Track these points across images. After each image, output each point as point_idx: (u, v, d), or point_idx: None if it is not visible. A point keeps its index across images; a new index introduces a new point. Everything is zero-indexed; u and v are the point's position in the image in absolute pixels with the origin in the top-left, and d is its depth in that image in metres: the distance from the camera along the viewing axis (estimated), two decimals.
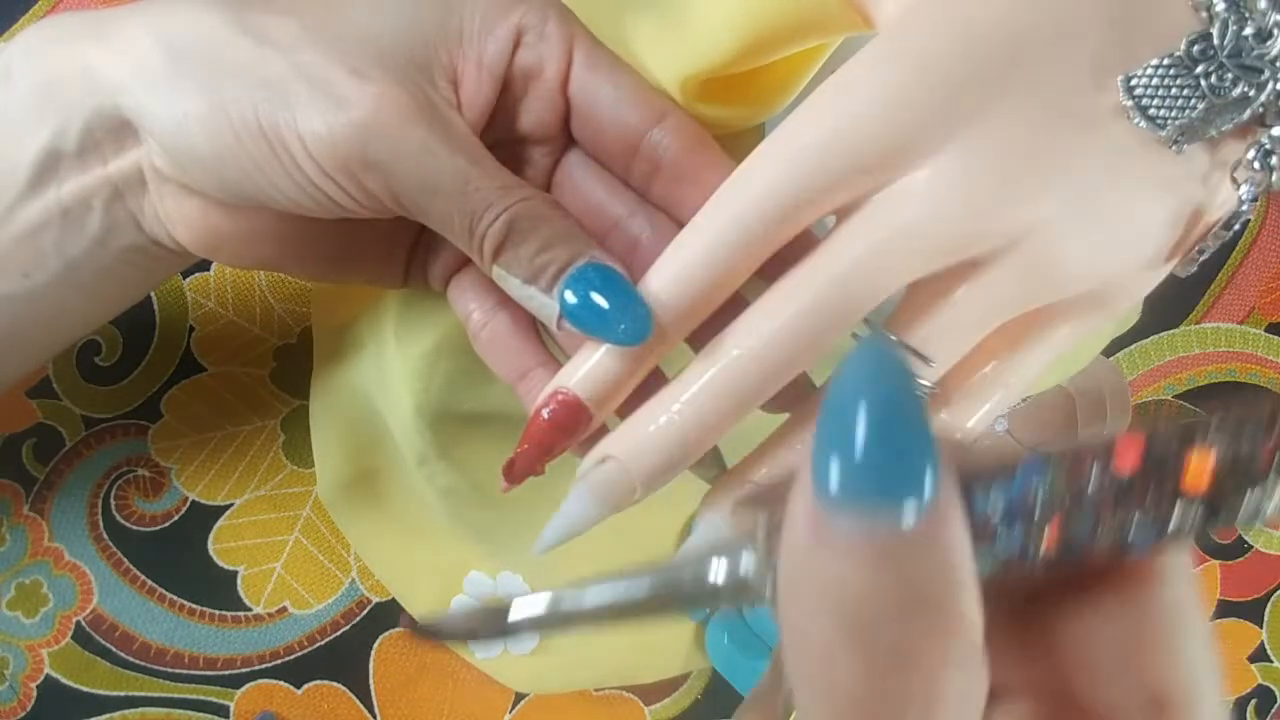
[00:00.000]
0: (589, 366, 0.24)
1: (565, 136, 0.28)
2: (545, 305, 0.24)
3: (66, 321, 0.29)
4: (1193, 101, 0.20)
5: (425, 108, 0.24)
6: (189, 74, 0.24)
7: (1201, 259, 0.22)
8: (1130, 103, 0.21)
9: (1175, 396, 0.51)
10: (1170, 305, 0.51)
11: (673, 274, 0.23)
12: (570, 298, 0.23)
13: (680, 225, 0.24)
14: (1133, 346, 0.51)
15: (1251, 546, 0.52)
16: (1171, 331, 0.51)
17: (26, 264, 0.27)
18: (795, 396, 0.25)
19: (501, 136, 0.28)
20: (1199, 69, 0.20)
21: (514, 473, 0.25)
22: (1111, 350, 0.50)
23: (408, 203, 0.25)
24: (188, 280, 0.40)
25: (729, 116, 0.30)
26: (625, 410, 0.25)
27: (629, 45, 0.30)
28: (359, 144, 0.23)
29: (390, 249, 0.30)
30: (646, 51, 0.30)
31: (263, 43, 0.24)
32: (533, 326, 0.29)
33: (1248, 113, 0.21)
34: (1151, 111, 0.21)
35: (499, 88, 0.26)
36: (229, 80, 0.24)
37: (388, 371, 0.35)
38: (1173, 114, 0.21)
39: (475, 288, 0.29)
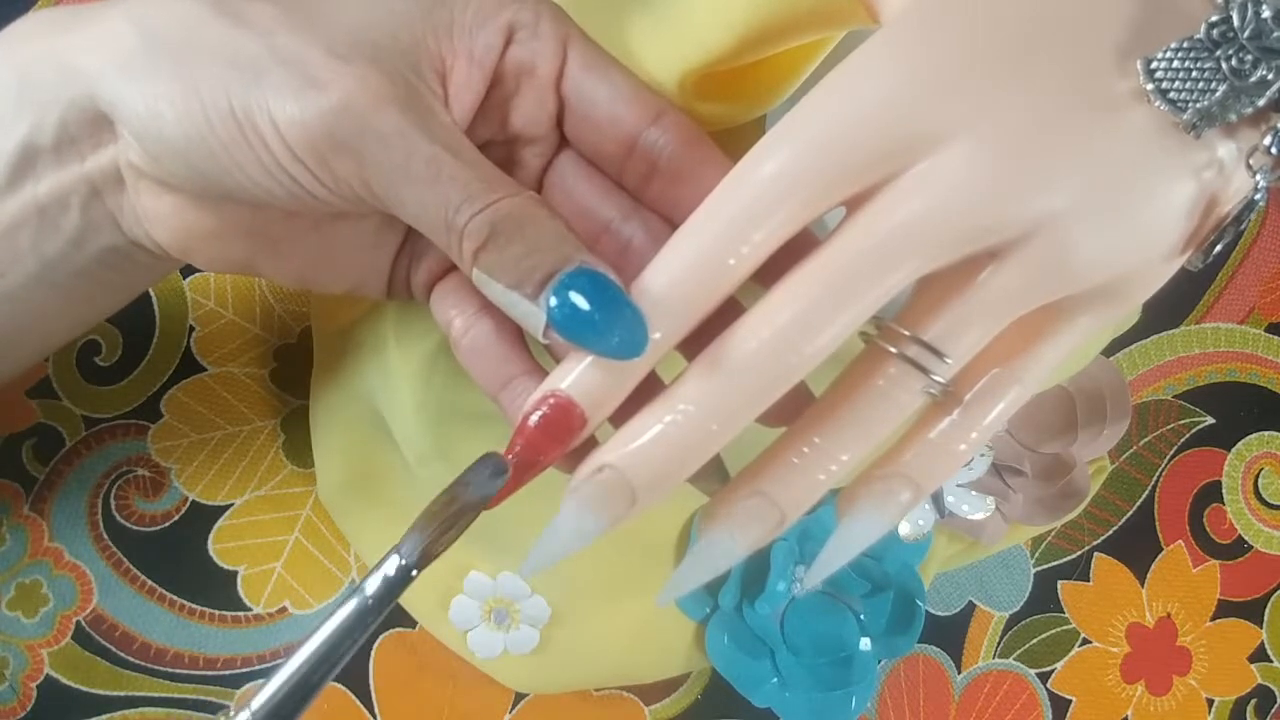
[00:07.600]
0: (581, 369, 0.23)
1: (557, 137, 0.28)
2: (530, 313, 0.22)
3: (46, 324, 0.29)
4: (1213, 84, 0.20)
5: (404, 92, 0.24)
6: (164, 57, 0.23)
7: (1215, 251, 0.22)
8: (1151, 86, 0.20)
9: (1175, 396, 0.51)
10: (1170, 305, 0.51)
11: (674, 271, 0.22)
12: (558, 306, 0.22)
13: (676, 228, 0.23)
14: (1133, 346, 0.51)
15: (1251, 546, 0.52)
16: (1171, 331, 0.51)
17: (2, 263, 0.26)
18: (794, 408, 0.24)
19: (491, 135, 0.27)
20: (1219, 51, 0.20)
21: None
22: (1111, 350, 0.50)
23: (380, 190, 0.24)
24: (188, 280, 0.40)
25: (729, 112, 0.30)
26: (617, 419, 0.23)
27: (625, 42, 0.30)
28: (330, 125, 0.23)
29: (373, 256, 0.29)
30: (643, 47, 0.29)
31: (239, 24, 0.24)
32: (518, 333, 0.28)
33: (1265, 97, 0.20)
34: (1172, 95, 0.20)
35: (488, 83, 0.26)
36: (203, 62, 0.23)
37: (388, 371, 0.35)
38: (1193, 97, 0.20)
39: (457, 293, 0.28)
